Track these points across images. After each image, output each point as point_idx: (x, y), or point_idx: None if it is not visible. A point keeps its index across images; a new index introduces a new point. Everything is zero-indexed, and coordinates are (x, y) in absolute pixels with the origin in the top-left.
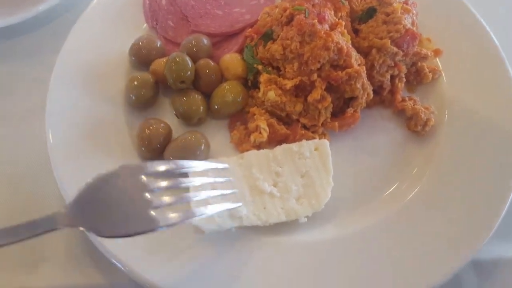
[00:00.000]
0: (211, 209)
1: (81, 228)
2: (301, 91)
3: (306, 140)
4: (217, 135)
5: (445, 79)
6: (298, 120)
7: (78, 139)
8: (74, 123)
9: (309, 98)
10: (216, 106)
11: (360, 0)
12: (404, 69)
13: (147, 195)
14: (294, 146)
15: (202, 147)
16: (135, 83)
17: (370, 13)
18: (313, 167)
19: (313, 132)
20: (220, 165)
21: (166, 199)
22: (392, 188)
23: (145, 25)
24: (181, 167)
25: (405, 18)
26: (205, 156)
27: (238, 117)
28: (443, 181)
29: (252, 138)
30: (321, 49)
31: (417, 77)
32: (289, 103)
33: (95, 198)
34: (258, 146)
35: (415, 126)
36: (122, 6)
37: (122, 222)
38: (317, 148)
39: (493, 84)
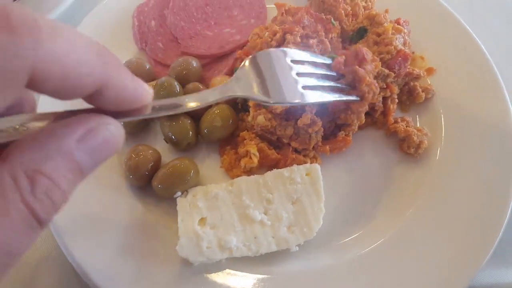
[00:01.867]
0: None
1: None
2: (291, 115)
3: (297, 164)
4: (207, 160)
5: (439, 98)
6: (289, 144)
7: None
8: None
9: (299, 123)
10: (205, 131)
11: (351, 20)
12: (396, 90)
13: (294, 75)
14: (285, 171)
15: (191, 174)
16: None
17: (361, 33)
18: (305, 193)
19: (304, 156)
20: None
21: (310, 81)
22: (385, 213)
23: (134, 47)
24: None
25: (396, 39)
26: (195, 183)
27: (228, 142)
28: (438, 205)
29: (242, 163)
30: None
31: (410, 96)
32: (279, 127)
33: (254, 70)
34: (249, 171)
35: (408, 149)
36: (111, 28)
37: (279, 91)
38: (309, 173)
39: (487, 102)
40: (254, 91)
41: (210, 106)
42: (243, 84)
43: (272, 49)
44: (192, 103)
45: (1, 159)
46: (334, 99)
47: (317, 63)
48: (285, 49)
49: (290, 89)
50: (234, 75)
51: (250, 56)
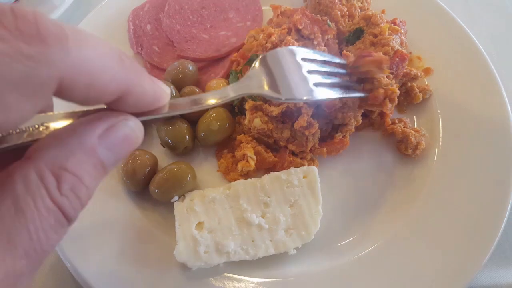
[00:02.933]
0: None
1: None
2: (287, 117)
3: (295, 167)
4: (204, 163)
5: (436, 98)
6: (286, 147)
7: None
8: None
9: (296, 125)
10: (202, 135)
11: (347, 21)
12: (397, 91)
13: (305, 73)
14: (282, 174)
15: (188, 178)
16: None
17: (358, 34)
18: (302, 196)
19: (301, 158)
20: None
21: (319, 79)
22: (383, 215)
23: (130, 51)
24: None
25: (393, 39)
26: (192, 187)
27: (225, 145)
28: (436, 206)
29: (239, 166)
30: None
31: (407, 97)
32: (276, 130)
33: (264, 69)
34: (246, 175)
35: (406, 150)
36: (107, 32)
37: (289, 88)
38: (306, 176)
39: (485, 102)
40: (265, 89)
41: (206, 110)
42: (255, 82)
43: (281, 48)
44: (212, 100)
45: (25, 158)
46: (344, 96)
47: (326, 61)
48: (294, 47)
49: (300, 86)
50: (246, 74)
51: (260, 56)
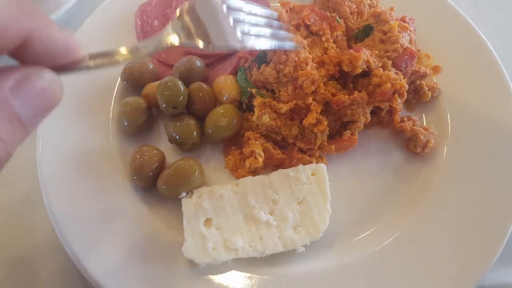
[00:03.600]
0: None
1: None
2: (296, 114)
3: (303, 164)
4: (212, 160)
5: (445, 96)
6: (294, 144)
7: (70, 171)
8: (65, 155)
9: (305, 122)
10: (210, 131)
11: (356, 18)
12: (406, 86)
13: (231, 21)
14: (290, 171)
15: (196, 174)
16: (127, 108)
17: (367, 31)
18: (310, 193)
19: (309, 156)
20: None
21: (248, 28)
22: (392, 213)
23: None
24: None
25: (402, 37)
26: (200, 183)
27: (233, 142)
28: (445, 204)
29: (247, 163)
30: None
31: (415, 95)
32: (285, 127)
33: (192, 18)
34: (254, 172)
35: (415, 148)
36: (113, 27)
37: (220, 37)
38: (314, 173)
39: (493, 100)
40: (194, 39)
41: (214, 107)
42: (182, 33)
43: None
44: (124, 52)
45: None
46: (274, 46)
47: (256, 11)
48: None
49: (230, 35)
50: (169, 24)
51: (187, 4)
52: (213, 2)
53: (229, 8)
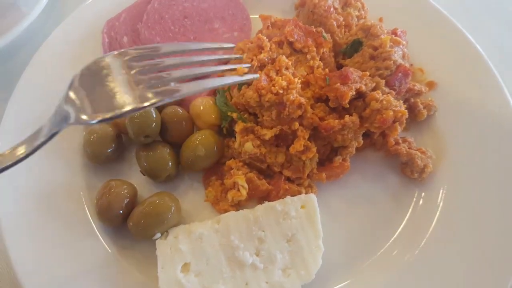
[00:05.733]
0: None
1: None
2: (282, 141)
3: (291, 195)
4: (190, 192)
5: (441, 114)
6: (280, 173)
7: (29, 210)
8: (26, 194)
9: (291, 150)
10: (187, 161)
11: (343, 32)
12: (406, 112)
13: (130, 78)
14: (277, 204)
15: (172, 210)
16: (93, 137)
17: (356, 46)
18: (300, 229)
19: (298, 185)
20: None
21: (146, 78)
22: (388, 247)
23: None
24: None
25: (395, 52)
26: (176, 222)
27: (213, 171)
28: (452, 235)
29: (229, 196)
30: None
31: (410, 114)
32: (270, 154)
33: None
34: (237, 205)
35: (411, 174)
36: (79, 44)
37: (110, 101)
38: (304, 206)
39: (493, 117)
40: (84, 114)
41: (191, 133)
42: (75, 106)
43: (103, 56)
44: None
45: None
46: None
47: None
48: (123, 51)
49: (125, 97)
50: (64, 96)
51: (80, 72)
52: (106, 62)
53: (132, 60)
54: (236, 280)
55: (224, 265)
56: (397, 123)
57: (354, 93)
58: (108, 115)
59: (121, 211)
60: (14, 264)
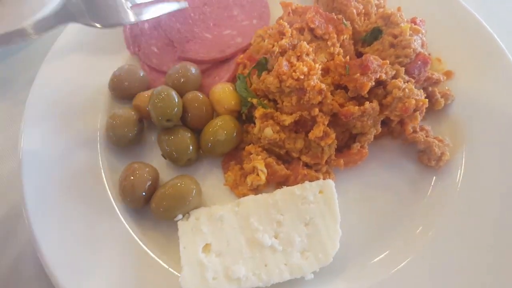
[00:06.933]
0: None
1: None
2: (301, 126)
3: (309, 181)
4: (210, 176)
5: (459, 103)
6: (299, 158)
7: (54, 191)
8: (50, 176)
9: (311, 135)
10: (207, 145)
11: (363, 20)
12: (426, 100)
13: None
14: (296, 189)
15: (193, 193)
16: (117, 121)
17: (375, 34)
18: (318, 213)
19: (316, 171)
20: None
21: None
22: (406, 232)
23: (126, 52)
24: None
25: (414, 40)
26: (197, 204)
27: (232, 156)
28: (466, 222)
29: (248, 181)
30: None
31: (428, 103)
32: (289, 140)
33: None
34: (256, 189)
35: (429, 161)
36: (100, 30)
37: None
38: (322, 191)
39: (510, 107)
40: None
41: (211, 118)
42: (75, 11)
43: None
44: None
45: None
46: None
47: None
48: None
49: (120, 10)
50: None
51: None
52: None
53: None
54: (255, 261)
55: (244, 247)
56: (418, 112)
57: (373, 83)
58: None
59: (144, 193)
60: (38, 245)
